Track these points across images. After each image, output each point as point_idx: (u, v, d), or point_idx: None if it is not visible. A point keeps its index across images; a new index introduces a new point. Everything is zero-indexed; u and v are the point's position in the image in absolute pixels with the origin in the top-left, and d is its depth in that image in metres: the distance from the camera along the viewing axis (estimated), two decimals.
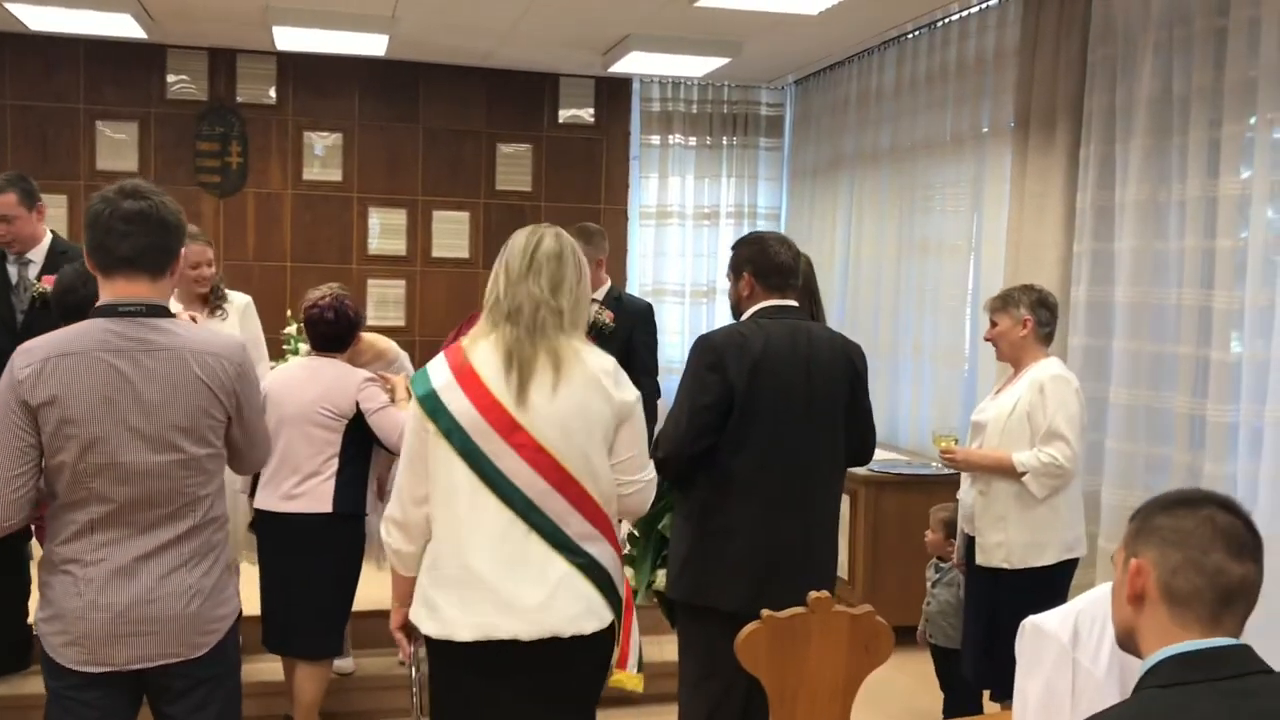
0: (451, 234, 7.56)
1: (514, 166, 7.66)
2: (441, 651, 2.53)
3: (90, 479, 2.37)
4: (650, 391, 4.85)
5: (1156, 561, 1.62)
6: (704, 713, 3.21)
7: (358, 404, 3.88)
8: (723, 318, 3.54)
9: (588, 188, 7.79)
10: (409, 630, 2.66)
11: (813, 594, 2.66)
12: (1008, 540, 3.78)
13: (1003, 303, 3.95)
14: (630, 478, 2.58)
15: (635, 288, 7.89)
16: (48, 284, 4.19)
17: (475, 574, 2.45)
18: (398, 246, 7.50)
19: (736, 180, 8.06)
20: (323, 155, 7.34)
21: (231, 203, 7.22)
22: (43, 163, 6.81)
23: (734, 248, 3.40)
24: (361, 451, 3.94)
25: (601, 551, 2.54)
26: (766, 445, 3.13)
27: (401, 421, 3.37)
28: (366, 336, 4.51)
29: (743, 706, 3.14)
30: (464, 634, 2.46)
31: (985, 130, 5.76)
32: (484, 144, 7.59)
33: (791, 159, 8.07)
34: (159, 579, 2.42)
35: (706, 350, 3.16)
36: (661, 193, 7.94)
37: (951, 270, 6.06)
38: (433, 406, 2.49)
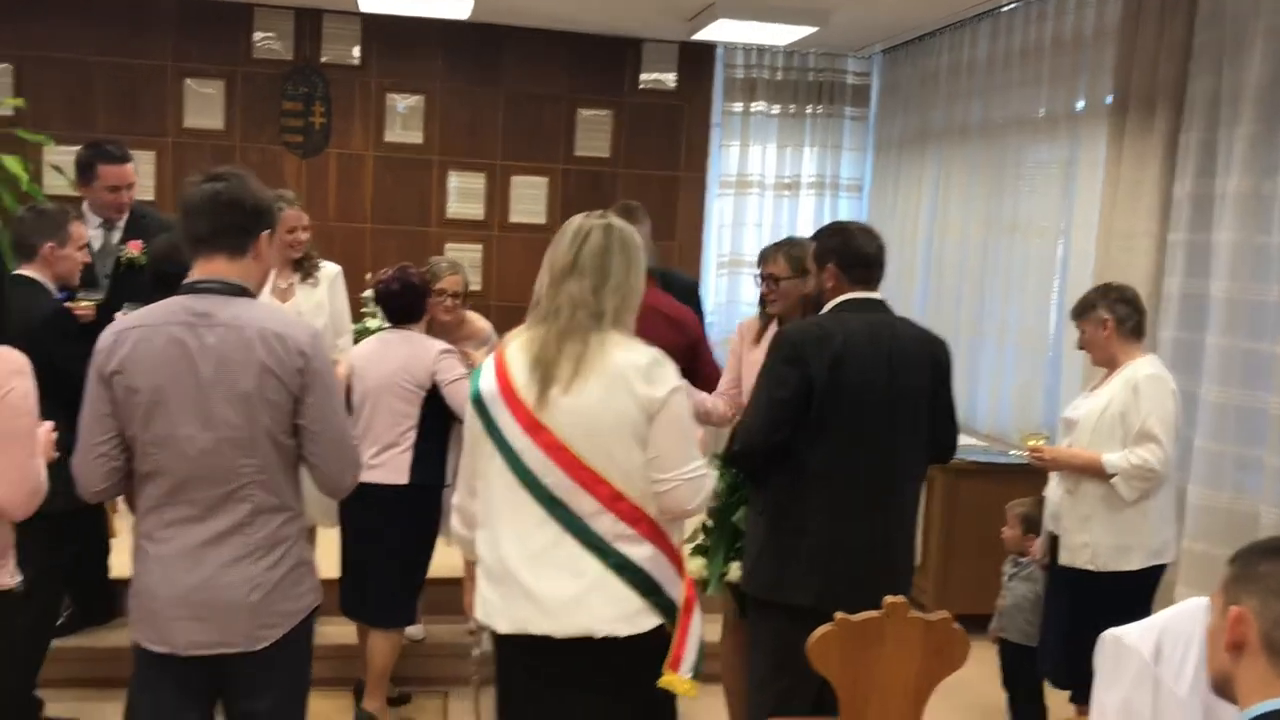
0: (529, 199, 7.53)
1: (594, 131, 7.59)
2: (494, 639, 2.58)
3: (154, 451, 2.42)
4: None
5: (1258, 611, 1.56)
6: (772, 707, 3.20)
7: (434, 375, 3.91)
8: None
9: (667, 154, 7.69)
10: None
11: (888, 599, 2.63)
12: (1093, 542, 3.70)
13: (1081, 310, 3.87)
14: (663, 475, 2.46)
15: (711, 258, 7.84)
16: (134, 249, 4.26)
17: (508, 569, 2.47)
18: (476, 210, 7.48)
19: (819, 150, 7.89)
20: (404, 116, 7.35)
21: (314, 163, 7.25)
22: (131, 120, 6.90)
23: (815, 238, 3.34)
24: (439, 424, 3.98)
25: (640, 553, 2.46)
26: (845, 441, 3.09)
27: None
28: (469, 315, 4.54)
29: (813, 703, 3.11)
30: (502, 625, 2.51)
31: (1080, 109, 5.57)
32: (564, 108, 7.53)
33: (877, 130, 7.90)
34: (222, 567, 2.44)
35: (785, 344, 3.11)
36: (742, 161, 7.81)
37: (1039, 253, 5.88)
38: (477, 402, 2.52)
